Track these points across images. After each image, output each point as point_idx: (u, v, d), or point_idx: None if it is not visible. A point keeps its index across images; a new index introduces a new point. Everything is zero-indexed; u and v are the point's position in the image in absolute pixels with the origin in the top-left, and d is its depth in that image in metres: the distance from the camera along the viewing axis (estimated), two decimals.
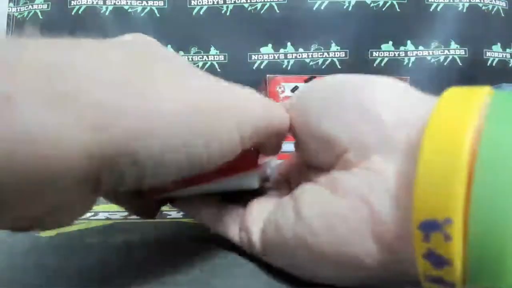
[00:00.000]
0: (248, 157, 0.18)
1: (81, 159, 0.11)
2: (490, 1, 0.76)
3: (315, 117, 0.16)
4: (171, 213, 0.28)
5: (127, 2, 0.76)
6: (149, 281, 0.16)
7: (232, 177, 0.19)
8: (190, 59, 0.76)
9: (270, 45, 0.76)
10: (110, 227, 0.26)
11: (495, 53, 0.76)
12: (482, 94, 0.12)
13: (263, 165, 0.22)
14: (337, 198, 0.14)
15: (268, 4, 0.76)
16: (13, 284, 0.16)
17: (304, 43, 0.76)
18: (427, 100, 0.14)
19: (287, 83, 0.73)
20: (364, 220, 0.13)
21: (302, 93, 0.18)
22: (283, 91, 0.73)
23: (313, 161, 0.18)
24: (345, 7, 0.75)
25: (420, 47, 0.76)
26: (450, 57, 0.76)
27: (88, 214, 0.30)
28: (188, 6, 0.76)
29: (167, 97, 0.13)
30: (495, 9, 0.76)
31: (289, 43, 0.76)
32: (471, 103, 0.11)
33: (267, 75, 0.71)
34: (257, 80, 0.62)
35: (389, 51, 0.76)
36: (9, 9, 0.78)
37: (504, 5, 0.77)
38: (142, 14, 0.76)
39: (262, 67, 0.75)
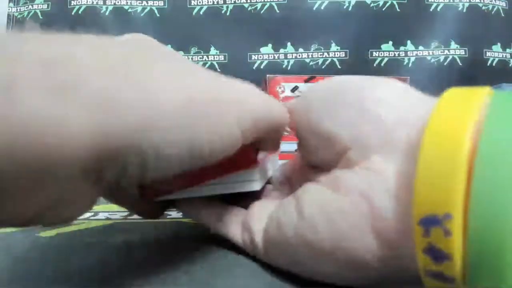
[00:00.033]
0: (248, 153, 0.18)
1: (82, 148, 0.11)
2: (490, 1, 0.76)
3: (317, 116, 0.16)
4: (171, 213, 0.28)
5: (127, 2, 0.76)
6: (149, 281, 0.16)
7: (233, 174, 0.19)
8: (190, 59, 0.76)
9: (270, 45, 0.76)
10: (110, 227, 0.26)
11: (495, 53, 0.76)
12: (482, 94, 0.12)
13: (262, 161, 0.22)
14: (338, 196, 0.14)
15: (268, 4, 0.76)
16: (13, 284, 0.16)
17: (304, 43, 0.76)
18: (427, 100, 0.14)
19: (287, 83, 0.73)
20: (364, 216, 0.13)
21: (305, 93, 0.18)
22: (283, 91, 0.73)
23: (315, 160, 0.18)
24: (345, 7, 0.75)
25: (420, 47, 0.76)
26: (450, 57, 0.76)
27: (88, 214, 0.30)
28: (188, 6, 0.76)
29: (167, 89, 0.13)
30: (495, 9, 0.76)
31: (289, 43, 0.76)
32: (471, 103, 0.11)
33: (267, 75, 0.71)
34: (257, 80, 0.61)
35: (389, 51, 0.76)
36: (9, 9, 0.78)
37: (504, 5, 0.77)
38: (142, 14, 0.76)
39: (262, 67, 0.76)
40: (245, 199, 0.21)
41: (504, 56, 0.77)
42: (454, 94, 0.12)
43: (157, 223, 0.26)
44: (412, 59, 0.76)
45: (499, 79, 0.69)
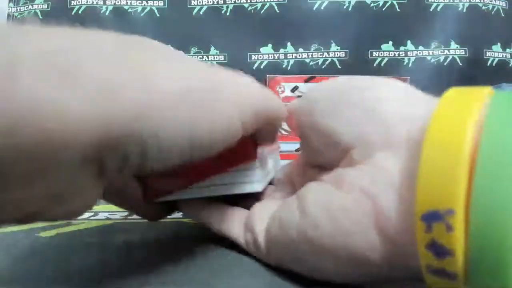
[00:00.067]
0: (247, 146, 0.19)
1: (82, 134, 0.11)
2: (490, 1, 0.76)
3: (321, 115, 0.16)
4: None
5: (127, 2, 0.76)
6: (149, 281, 0.16)
7: (233, 171, 0.20)
8: None
9: (270, 45, 0.76)
10: (110, 227, 0.26)
11: (495, 53, 0.76)
12: (483, 94, 0.12)
13: (264, 162, 0.22)
14: (341, 193, 0.14)
15: (268, 4, 0.76)
16: (13, 284, 0.16)
17: (304, 43, 0.76)
18: (429, 100, 0.15)
19: (287, 83, 0.73)
20: (367, 212, 0.13)
21: (308, 94, 0.19)
22: (283, 91, 0.73)
23: (318, 160, 0.18)
24: (345, 7, 0.75)
25: (420, 47, 0.76)
26: (450, 57, 0.76)
27: (88, 214, 0.30)
28: (188, 6, 0.76)
29: (167, 78, 0.13)
30: (495, 9, 0.76)
31: (289, 43, 0.76)
32: (472, 102, 0.12)
33: (267, 75, 0.71)
34: (257, 80, 0.61)
35: (389, 51, 0.76)
36: (9, 9, 0.78)
37: (504, 5, 0.77)
38: (142, 14, 0.76)
39: (262, 67, 0.75)
40: (247, 200, 0.21)
41: (504, 56, 0.76)
42: (456, 94, 0.13)
43: (157, 223, 0.26)
44: (412, 59, 0.76)
45: (499, 79, 0.69)
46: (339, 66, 0.75)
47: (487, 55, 0.76)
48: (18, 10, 0.78)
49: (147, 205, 0.21)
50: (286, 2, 0.75)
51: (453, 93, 0.13)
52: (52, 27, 0.12)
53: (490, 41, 0.76)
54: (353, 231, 0.13)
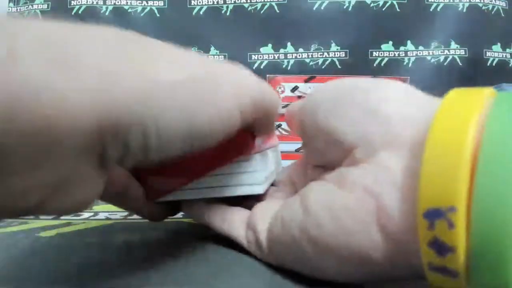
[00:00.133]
0: (246, 138, 0.19)
1: (81, 120, 0.11)
2: (490, 1, 0.76)
3: (324, 116, 0.16)
4: None
5: (127, 2, 0.76)
6: (149, 281, 0.16)
7: (233, 162, 0.20)
8: None
9: (270, 45, 0.76)
10: (110, 227, 0.26)
11: (495, 53, 0.76)
12: (484, 95, 0.12)
13: (265, 162, 0.22)
14: (343, 192, 0.14)
15: (268, 4, 0.76)
16: (13, 284, 0.16)
17: (304, 43, 0.76)
18: (431, 100, 0.15)
19: (287, 83, 0.73)
20: (370, 211, 0.13)
21: (311, 94, 0.19)
22: (283, 91, 0.73)
23: (320, 160, 0.18)
24: (345, 7, 0.75)
25: (420, 47, 0.76)
26: (450, 57, 0.76)
27: (88, 214, 0.30)
28: (188, 6, 0.76)
29: (165, 66, 0.13)
30: (495, 9, 0.76)
31: (289, 43, 0.76)
32: (474, 102, 0.12)
33: (267, 75, 0.71)
34: None
35: (389, 51, 0.76)
36: (9, 9, 0.78)
37: (504, 5, 0.77)
38: (142, 14, 0.76)
39: (262, 67, 0.75)
40: (248, 200, 0.21)
41: (504, 56, 0.76)
42: (458, 94, 0.13)
43: (157, 223, 0.26)
44: (412, 59, 0.76)
45: (499, 79, 0.68)
46: (339, 66, 0.75)
47: (487, 55, 0.76)
48: (18, 10, 0.78)
49: (149, 205, 0.21)
50: (286, 2, 0.75)
51: (455, 93, 0.13)
52: (52, 20, 0.12)
53: (490, 41, 0.76)
54: (355, 230, 0.13)
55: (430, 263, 0.11)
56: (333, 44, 0.75)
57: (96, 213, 0.31)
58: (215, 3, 0.76)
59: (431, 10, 0.75)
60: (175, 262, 0.18)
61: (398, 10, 0.75)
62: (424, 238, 0.11)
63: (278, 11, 0.76)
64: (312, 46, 0.76)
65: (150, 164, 0.14)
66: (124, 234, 0.23)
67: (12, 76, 0.10)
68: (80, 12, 0.75)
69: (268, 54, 0.76)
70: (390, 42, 0.76)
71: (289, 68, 0.75)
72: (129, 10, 0.76)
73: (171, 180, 0.20)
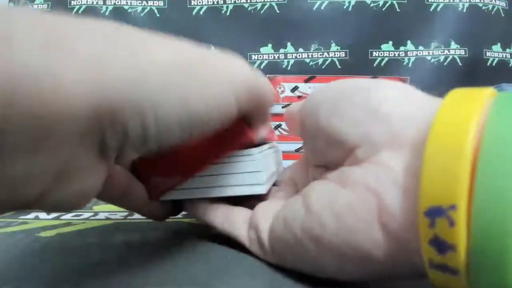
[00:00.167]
0: (243, 128, 0.19)
1: (78, 103, 0.11)
2: (490, 1, 0.76)
3: (325, 116, 0.17)
4: None
5: (127, 2, 0.76)
6: (149, 281, 0.16)
7: (232, 154, 0.20)
8: None
9: (270, 45, 0.76)
10: (110, 227, 0.26)
11: (495, 53, 0.76)
12: (485, 94, 0.12)
13: (267, 162, 0.22)
14: (345, 190, 0.14)
15: (268, 4, 0.76)
16: (13, 284, 0.16)
17: (304, 43, 0.76)
18: (432, 100, 0.15)
19: (287, 83, 0.73)
20: (372, 209, 0.13)
21: (312, 94, 0.19)
22: (283, 91, 0.73)
23: (321, 160, 0.18)
24: (345, 7, 0.75)
25: (420, 47, 0.76)
26: (450, 57, 0.76)
27: (88, 214, 0.30)
28: (188, 6, 0.76)
29: (157, 49, 0.13)
30: (495, 9, 0.76)
31: (289, 43, 0.76)
32: (475, 102, 0.12)
33: (267, 75, 0.71)
34: None
35: (389, 51, 0.76)
36: None
37: (504, 5, 0.77)
38: (142, 14, 0.76)
39: (262, 67, 0.75)
40: (250, 200, 0.21)
41: (504, 56, 0.76)
42: (459, 94, 0.13)
43: (157, 223, 0.26)
44: (412, 59, 0.76)
45: (499, 79, 0.68)
46: (339, 66, 0.75)
47: (487, 55, 0.76)
48: None
49: (151, 204, 0.21)
50: (286, 2, 0.75)
51: (456, 93, 0.13)
52: (46, 11, 0.12)
53: (490, 41, 0.76)
54: (357, 228, 0.13)
55: (431, 261, 0.12)
56: (333, 44, 0.75)
57: (96, 213, 0.31)
58: (215, 3, 0.76)
59: (431, 10, 0.75)
60: (175, 262, 0.18)
61: (398, 10, 0.75)
62: (425, 236, 0.11)
63: (278, 11, 0.76)
64: (312, 46, 0.76)
65: (150, 153, 0.14)
66: (124, 234, 0.23)
67: (12, 61, 0.10)
68: (80, 12, 0.75)
69: (268, 54, 0.76)
70: (390, 42, 0.76)
71: (289, 68, 0.75)
72: (129, 10, 0.76)
73: (172, 176, 0.20)
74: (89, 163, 0.13)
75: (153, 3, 0.77)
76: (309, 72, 0.74)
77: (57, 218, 0.29)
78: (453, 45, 0.76)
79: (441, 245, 0.11)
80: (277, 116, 0.60)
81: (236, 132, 0.18)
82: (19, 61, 0.10)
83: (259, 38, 0.76)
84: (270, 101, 0.19)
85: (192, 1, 0.76)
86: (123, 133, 0.12)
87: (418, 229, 0.12)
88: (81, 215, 0.30)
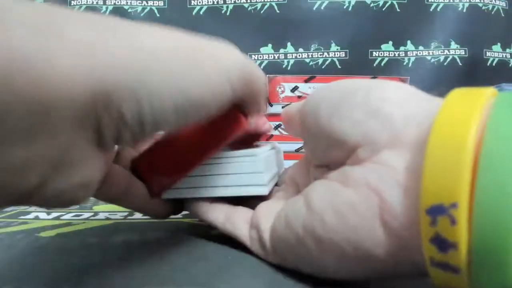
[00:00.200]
0: (238, 117, 0.19)
1: (73, 87, 0.11)
2: (490, 1, 0.76)
3: (326, 116, 0.17)
4: None
5: (127, 2, 0.76)
6: (149, 281, 0.16)
7: (235, 154, 0.20)
8: None
9: (270, 45, 0.76)
10: (110, 227, 0.26)
11: (495, 53, 0.76)
12: (486, 94, 0.12)
13: (268, 162, 0.22)
14: (347, 189, 0.14)
15: (268, 4, 0.76)
16: (13, 284, 0.16)
17: (304, 43, 0.76)
18: (433, 100, 0.15)
19: (287, 83, 0.73)
20: (373, 208, 0.13)
21: (313, 95, 0.19)
22: (283, 91, 0.73)
23: (322, 160, 0.18)
24: (345, 7, 0.75)
25: (420, 47, 0.76)
26: (450, 57, 0.76)
27: (88, 214, 0.30)
28: (188, 6, 0.76)
29: (150, 35, 0.14)
30: (495, 9, 0.76)
31: (289, 43, 0.76)
32: (476, 101, 0.12)
33: (267, 75, 0.71)
34: None
35: (389, 51, 0.76)
36: None
37: (504, 5, 0.77)
38: (142, 14, 0.76)
39: (262, 67, 0.75)
40: (251, 200, 0.21)
41: (504, 56, 0.76)
42: (460, 94, 0.13)
43: (157, 223, 0.26)
44: (412, 59, 0.76)
45: (499, 79, 0.68)
46: (339, 66, 0.75)
47: (487, 55, 0.76)
48: None
49: (153, 203, 0.21)
50: (286, 2, 0.75)
51: (457, 93, 0.13)
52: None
53: (490, 41, 0.76)
54: (359, 226, 0.13)
55: (432, 259, 0.12)
56: (333, 44, 0.75)
57: (96, 213, 0.31)
58: (215, 3, 0.76)
59: (431, 10, 0.75)
60: (175, 262, 0.18)
61: (398, 10, 0.75)
62: (426, 234, 0.11)
63: (278, 11, 0.76)
64: (312, 46, 0.76)
65: (147, 136, 0.14)
66: (123, 234, 0.23)
67: (5, 46, 0.10)
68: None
69: (268, 54, 0.76)
70: (390, 42, 0.76)
71: (289, 68, 0.75)
72: (129, 10, 0.76)
73: (172, 170, 0.20)
74: (87, 153, 0.13)
75: (153, 3, 0.77)
76: (309, 72, 0.74)
77: (57, 218, 0.29)
78: (453, 45, 0.76)
79: (443, 243, 0.11)
80: (277, 116, 0.60)
81: (231, 121, 0.18)
82: (13, 45, 0.10)
83: (259, 38, 0.76)
84: (263, 90, 0.19)
85: (192, 1, 0.76)
86: (119, 118, 0.12)
87: (420, 227, 0.12)
88: (81, 215, 0.30)
